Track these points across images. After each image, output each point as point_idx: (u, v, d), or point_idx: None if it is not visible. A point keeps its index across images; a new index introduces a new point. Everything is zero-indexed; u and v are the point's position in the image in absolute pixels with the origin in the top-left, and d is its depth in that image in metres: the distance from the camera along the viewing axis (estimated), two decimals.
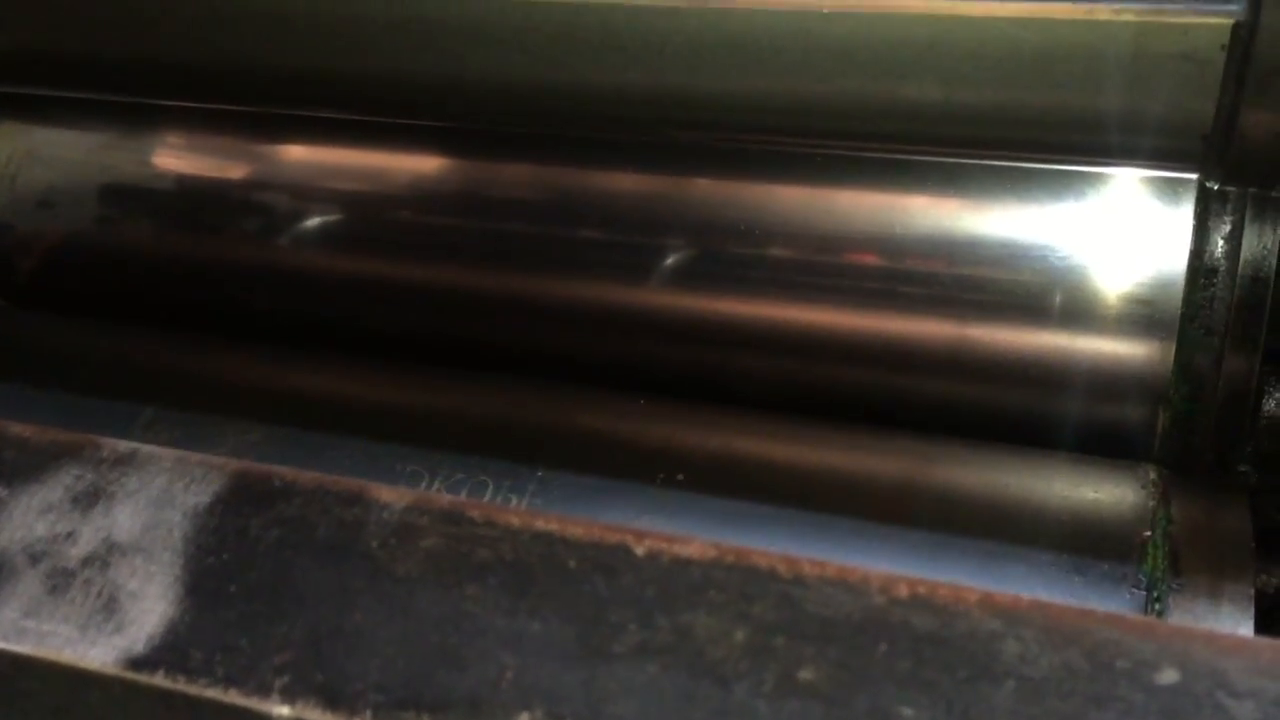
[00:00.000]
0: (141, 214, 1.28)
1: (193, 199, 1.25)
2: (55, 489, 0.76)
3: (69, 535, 0.73)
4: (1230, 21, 0.77)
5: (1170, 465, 0.95)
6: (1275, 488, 0.96)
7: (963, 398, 1.09)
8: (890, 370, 1.09)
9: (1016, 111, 0.90)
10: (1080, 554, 0.82)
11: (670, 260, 1.11)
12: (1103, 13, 0.79)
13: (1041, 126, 0.93)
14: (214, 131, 1.26)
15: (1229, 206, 0.88)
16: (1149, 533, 0.81)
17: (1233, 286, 0.89)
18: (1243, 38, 0.75)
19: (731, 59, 0.92)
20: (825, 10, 0.88)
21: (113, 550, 0.71)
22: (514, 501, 1.06)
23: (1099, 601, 0.81)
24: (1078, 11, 0.80)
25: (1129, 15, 0.79)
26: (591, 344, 1.20)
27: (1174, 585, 0.74)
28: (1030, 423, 1.07)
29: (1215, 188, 0.88)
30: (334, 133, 1.22)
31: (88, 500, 0.75)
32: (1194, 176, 0.89)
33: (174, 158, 1.29)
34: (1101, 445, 1.02)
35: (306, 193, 1.20)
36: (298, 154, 1.24)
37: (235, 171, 1.25)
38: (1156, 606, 0.73)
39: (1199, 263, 0.90)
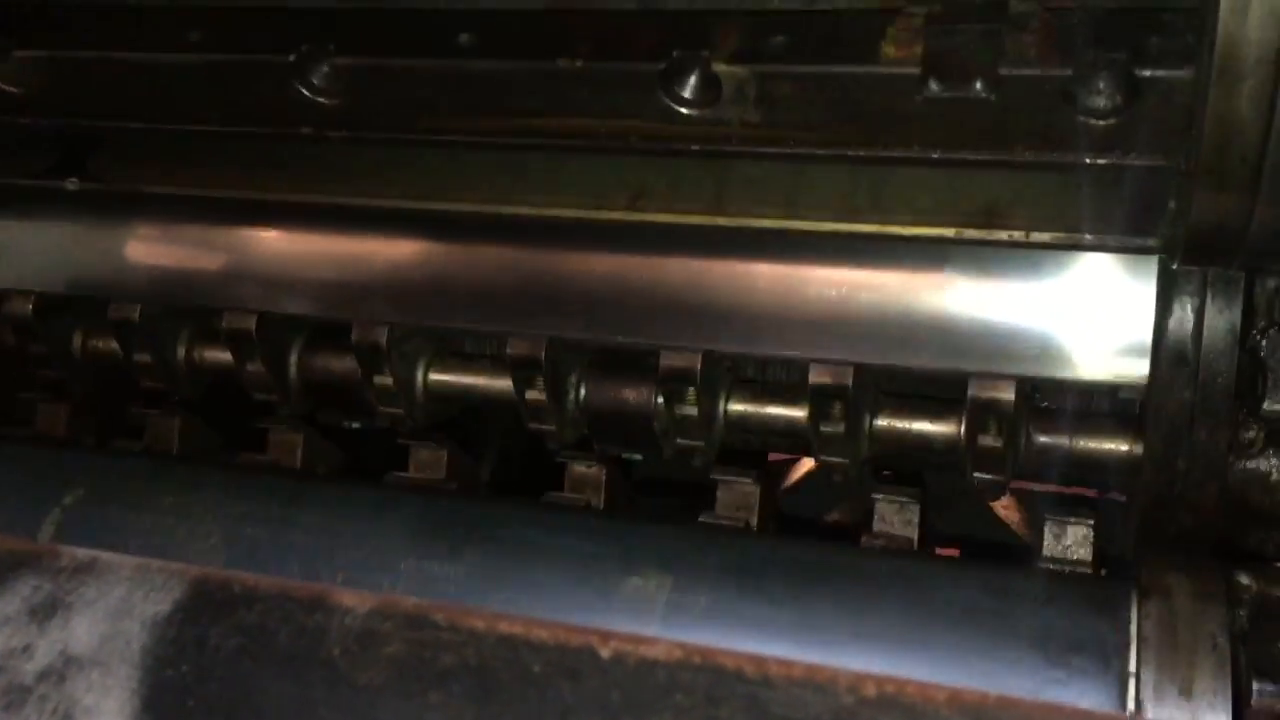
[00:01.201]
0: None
1: None
2: (12, 600, 0.75)
3: (25, 649, 0.71)
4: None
5: (1145, 548, 0.94)
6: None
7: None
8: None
9: None
10: (1058, 650, 0.81)
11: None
12: None
13: None
14: None
15: (1191, 284, 0.89)
16: (1127, 629, 0.79)
17: (1197, 361, 0.89)
18: (1194, 117, 0.75)
19: None
20: None
21: (69, 664, 0.70)
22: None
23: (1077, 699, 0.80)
24: None
25: None
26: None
27: (1151, 682, 0.73)
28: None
29: (1176, 267, 0.88)
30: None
31: (45, 612, 0.74)
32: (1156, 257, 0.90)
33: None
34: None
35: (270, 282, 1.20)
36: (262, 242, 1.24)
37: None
38: (1133, 704, 0.71)
39: (1162, 339, 0.90)
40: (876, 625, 0.85)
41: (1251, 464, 0.92)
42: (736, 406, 1.04)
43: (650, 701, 0.63)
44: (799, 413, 1.00)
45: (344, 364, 1.13)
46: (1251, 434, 0.91)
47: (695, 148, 0.94)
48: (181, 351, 1.20)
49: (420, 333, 1.10)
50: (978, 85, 0.87)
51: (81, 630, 0.72)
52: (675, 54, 0.93)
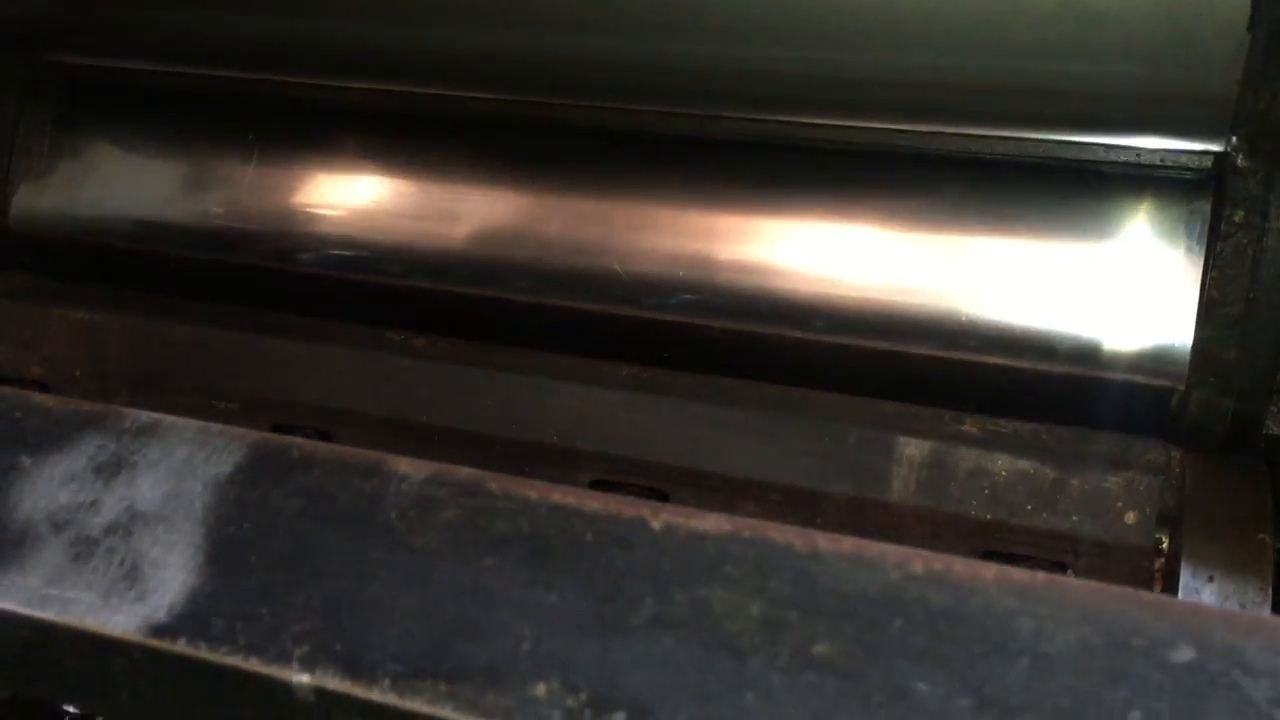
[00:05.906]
0: None
1: None
2: (78, 458, 0.77)
3: (92, 504, 0.73)
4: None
5: (1190, 444, 0.94)
6: None
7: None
8: None
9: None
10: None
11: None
12: None
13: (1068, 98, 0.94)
14: None
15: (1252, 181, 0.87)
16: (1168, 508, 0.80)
17: (1259, 254, 0.88)
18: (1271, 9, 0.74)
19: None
20: None
21: (135, 519, 0.72)
22: None
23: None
24: None
25: None
26: None
27: (1192, 562, 0.74)
28: (1051, 397, 1.08)
29: (1240, 163, 0.87)
30: None
31: (110, 470, 0.76)
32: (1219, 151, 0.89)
33: None
34: (1122, 423, 1.01)
35: None
36: None
37: None
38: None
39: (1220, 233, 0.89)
40: None
41: None
42: None
43: (700, 572, 0.64)
44: None
45: None
46: None
47: None
48: None
49: None
50: None
51: (146, 488, 0.74)
52: None
